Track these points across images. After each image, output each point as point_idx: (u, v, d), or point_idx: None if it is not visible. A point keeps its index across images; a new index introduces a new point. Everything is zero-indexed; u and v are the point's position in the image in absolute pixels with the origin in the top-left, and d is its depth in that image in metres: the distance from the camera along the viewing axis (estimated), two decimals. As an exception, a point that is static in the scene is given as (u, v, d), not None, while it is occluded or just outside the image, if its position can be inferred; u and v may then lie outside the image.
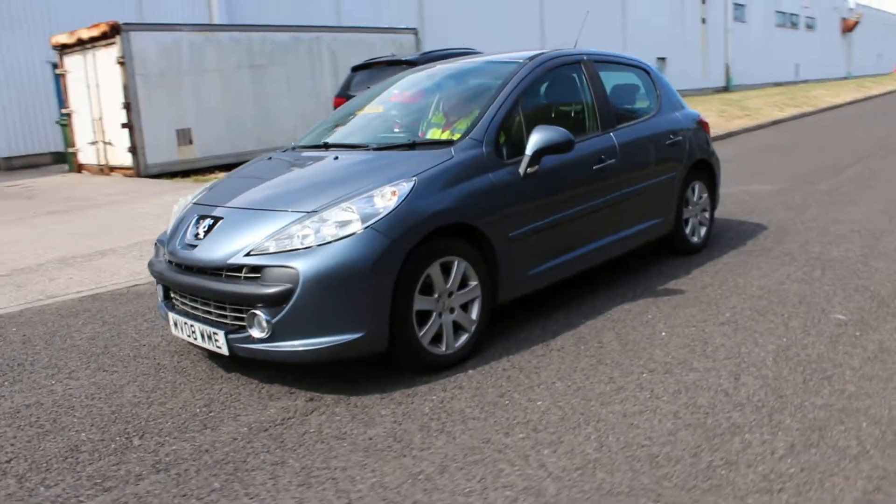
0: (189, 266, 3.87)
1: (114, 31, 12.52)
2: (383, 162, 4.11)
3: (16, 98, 16.19)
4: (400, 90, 5.32)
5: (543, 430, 3.17)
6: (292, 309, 3.46)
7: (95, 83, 13.52)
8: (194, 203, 4.34)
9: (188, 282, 3.83)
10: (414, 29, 17.71)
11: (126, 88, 12.73)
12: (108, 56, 12.93)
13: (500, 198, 4.09)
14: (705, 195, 6.11)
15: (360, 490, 2.81)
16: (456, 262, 3.85)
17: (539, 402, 3.44)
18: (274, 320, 3.50)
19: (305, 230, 3.59)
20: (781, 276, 5.23)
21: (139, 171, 13.00)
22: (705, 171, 6.08)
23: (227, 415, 3.55)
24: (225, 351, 3.68)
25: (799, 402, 3.27)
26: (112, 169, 13.65)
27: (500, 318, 4.59)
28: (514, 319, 4.62)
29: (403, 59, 12.28)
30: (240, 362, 4.08)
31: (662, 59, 36.83)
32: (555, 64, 4.99)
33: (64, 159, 15.42)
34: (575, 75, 5.15)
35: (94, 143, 14.06)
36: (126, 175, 13.29)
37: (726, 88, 41.45)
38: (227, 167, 13.54)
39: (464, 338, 3.96)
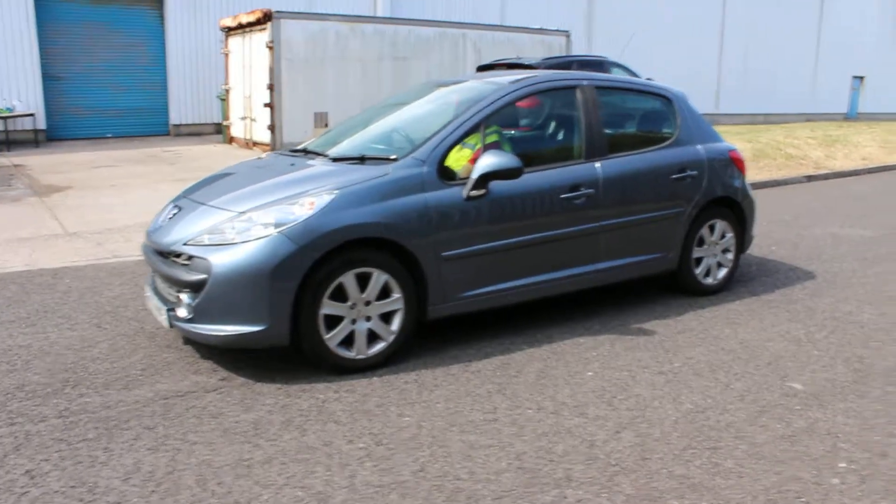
0: (152, 247, 4.35)
1: (266, 18, 13.60)
2: (325, 172, 4.34)
3: (188, 73, 17.90)
4: (413, 103, 5.50)
5: (385, 445, 3.34)
6: (205, 296, 3.87)
7: (249, 64, 14.73)
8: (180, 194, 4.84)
9: (151, 260, 4.32)
10: (566, 31, 17.65)
11: (271, 71, 13.77)
12: (261, 40, 14.06)
13: (434, 218, 4.20)
14: (729, 235, 5.83)
15: (189, 463, 3.17)
16: (375, 274, 4.05)
17: (406, 419, 3.60)
18: (194, 304, 3.92)
19: (232, 228, 3.96)
20: (777, 332, 4.96)
21: (275, 147, 14.03)
22: (731, 209, 5.82)
23: (150, 380, 4.01)
24: (166, 324, 4.12)
25: (657, 468, 3.20)
26: (255, 144, 14.83)
27: (444, 333, 4.74)
28: (458, 337, 4.74)
29: (525, 62, 12.39)
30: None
31: (860, 78, 33.95)
32: (539, 89, 5.01)
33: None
34: (566, 101, 5.13)
35: (243, 118, 15.33)
36: (264, 150, 14.40)
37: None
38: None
39: (380, 346, 4.16)
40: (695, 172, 5.50)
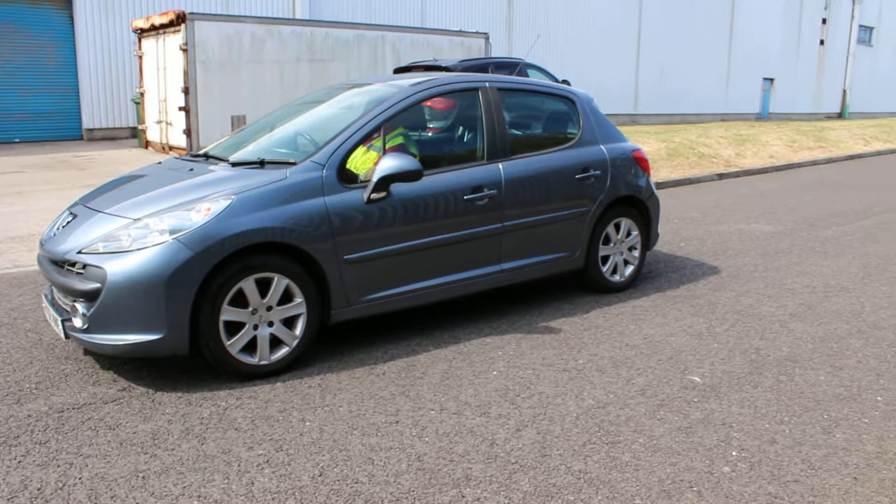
0: (46, 256, 4.21)
1: (180, 19, 13.31)
2: (223, 177, 4.28)
3: (101, 75, 17.36)
4: (320, 105, 5.46)
5: (285, 451, 3.32)
6: (100, 306, 3.78)
7: (164, 66, 14.40)
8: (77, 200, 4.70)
9: (45, 270, 4.19)
10: (485, 34, 17.81)
11: (186, 74, 13.49)
12: (174, 42, 13.75)
13: (335, 221, 4.20)
14: (635, 233, 6.01)
15: (81, 477, 3.09)
16: (276, 279, 4.03)
17: (308, 423, 3.58)
18: (89, 314, 3.83)
19: (127, 235, 3.88)
20: (680, 327, 5.12)
21: (191, 152, 13.75)
22: (636, 208, 5.98)
23: (45, 392, 3.88)
24: (62, 335, 4.00)
25: (556, 464, 3.26)
26: (171, 148, 14.49)
27: (350, 336, 4.74)
28: (364, 339, 4.74)
29: (442, 64, 12.47)
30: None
31: (770, 80, 35.34)
32: (440, 91, 5.05)
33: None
34: (468, 103, 5.18)
35: (159, 122, 14.97)
36: (181, 154, 14.09)
37: (840, 116, 39.33)
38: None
39: (283, 351, 4.14)
40: (598, 172, 5.61)
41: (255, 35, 14.19)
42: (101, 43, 17.27)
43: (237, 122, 13.98)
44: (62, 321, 3.98)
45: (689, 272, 6.62)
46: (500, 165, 5.06)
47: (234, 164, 4.52)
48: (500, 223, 5.00)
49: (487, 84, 5.24)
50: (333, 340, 4.69)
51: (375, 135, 4.56)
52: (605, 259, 5.85)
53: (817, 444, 3.46)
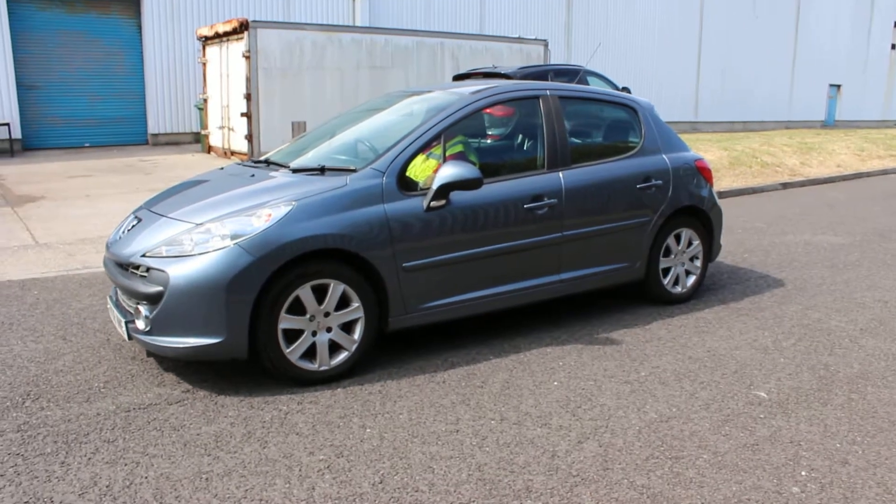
0: (112, 258, 4.32)
1: (243, 27, 13.57)
2: (284, 183, 4.33)
3: (166, 82, 17.82)
4: (380, 113, 5.48)
5: (345, 457, 3.32)
6: (162, 308, 3.85)
7: (226, 73, 14.69)
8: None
9: (111, 272, 4.30)
10: (544, 40, 17.73)
11: (248, 80, 13.74)
12: (237, 49, 14.02)
13: (394, 228, 4.21)
14: (697, 244, 5.89)
15: (147, 476, 3.15)
16: (332, 285, 4.05)
17: (368, 430, 3.59)
18: (151, 316, 3.90)
19: (190, 240, 3.95)
20: (745, 340, 4.99)
21: (252, 157, 13.99)
22: (698, 218, 5.87)
23: (112, 392, 3.97)
24: (125, 336, 4.09)
25: (618, 478, 3.20)
26: (233, 153, 14.77)
27: (409, 344, 4.74)
28: (424, 347, 4.73)
29: (502, 71, 12.45)
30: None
31: (837, 86, 34.35)
32: (501, 99, 5.03)
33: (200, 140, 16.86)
34: (529, 111, 5.15)
35: (221, 127, 15.27)
36: (242, 160, 14.36)
37: (912, 125, 38.02)
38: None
39: (342, 356, 4.16)
40: (660, 182, 5.53)
41: (316, 42, 14.39)
42: (166, 50, 17.73)
43: (297, 128, 14.18)
44: (126, 323, 4.07)
45: (754, 284, 6.45)
46: (561, 174, 5.02)
47: (295, 171, 4.57)
48: (559, 232, 4.96)
49: (549, 92, 5.21)
50: (393, 348, 4.70)
51: (435, 143, 4.57)
52: (666, 270, 5.74)
53: (893, 466, 3.33)
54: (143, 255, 4.02)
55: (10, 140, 15.81)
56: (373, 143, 4.86)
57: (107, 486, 3.07)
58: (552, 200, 4.89)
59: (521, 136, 5.25)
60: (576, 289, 5.20)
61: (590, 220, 5.12)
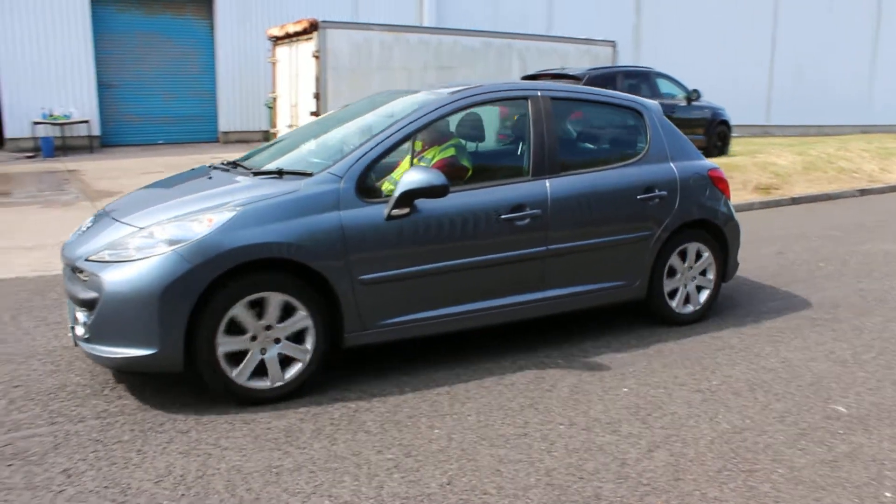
0: (63, 260, 4.18)
1: (313, 27, 13.76)
2: (239, 187, 4.05)
3: (237, 81, 18.21)
4: (367, 113, 5.03)
5: (413, 457, 3.33)
6: (98, 316, 3.66)
7: (296, 73, 14.92)
8: None
9: (64, 274, 4.16)
10: (612, 42, 17.51)
11: (317, 80, 13.94)
12: (307, 49, 14.22)
13: (349, 238, 3.91)
14: (707, 258, 5.35)
15: (219, 468, 3.22)
16: (270, 298, 3.77)
17: (436, 430, 3.59)
18: (89, 323, 3.71)
19: (131, 244, 3.73)
20: (821, 352, 4.83)
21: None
22: (711, 233, 5.34)
23: (186, 384, 4.05)
24: (72, 342, 3.95)
25: (690, 489, 3.14)
26: (301, 151, 14.98)
27: (477, 344, 4.73)
28: (492, 348, 4.71)
29: (570, 73, 12.35)
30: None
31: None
32: (481, 100, 4.64)
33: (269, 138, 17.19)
34: (514, 113, 4.83)
35: (290, 126, 15.51)
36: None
37: None
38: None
39: (297, 368, 3.89)
40: (665, 193, 5.03)
41: (384, 42, 14.50)
42: (237, 50, 18.11)
43: (364, 127, 14.32)
44: (71, 328, 3.92)
45: (830, 294, 6.23)
46: (548, 182, 4.58)
47: (256, 174, 4.27)
48: (543, 246, 4.53)
49: (539, 93, 4.77)
50: (461, 349, 4.69)
51: (405, 145, 4.30)
52: (673, 289, 5.25)
53: None
54: (87, 259, 3.82)
55: (90, 137, 16.37)
56: (347, 146, 4.53)
57: (181, 476, 3.14)
58: (535, 211, 4.47)
59: (503, 141, 4.95)
60: (565, 307, 4.78)
61: (580, 233, 4.70)
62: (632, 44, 23.40)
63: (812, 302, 5.98)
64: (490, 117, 5.03)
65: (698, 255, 5.30)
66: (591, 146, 5.38)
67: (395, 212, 4.02)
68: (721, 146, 14.90)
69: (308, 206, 3.89)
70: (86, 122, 16.28)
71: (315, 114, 13.98)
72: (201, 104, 18.32)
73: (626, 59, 21.11)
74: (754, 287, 6.36)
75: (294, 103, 15.15)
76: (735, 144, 16.23)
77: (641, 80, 13.55)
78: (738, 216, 5.60)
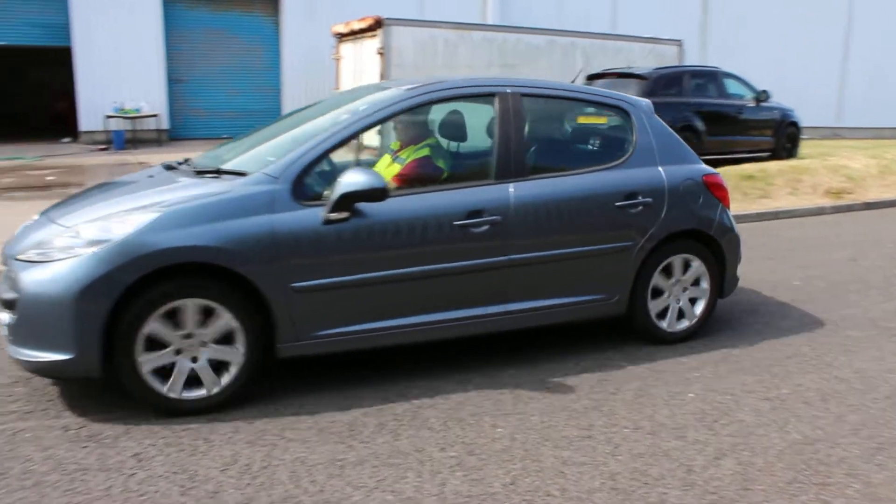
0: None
1: (377, 25, 13.87)
2: (173, 187, 3.89)
3: (301, 77, 18.46)
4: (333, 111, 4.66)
5: (477, 455, 3.32)
6: (17, 317, 3.52)
7: (359, 69, 15.05)
8: None
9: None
10: (678, 40, 17.22)
11: (381, 77, 14.03)
12: (371, 46, 14.34)
13: (281, 243, 3.68)
14: (701, 274, 4.88)
15: (284, 459, 3.27)
16: (189, 304, 3.58)
17: (499, 430, 3.57)
18: (12, 324, 3.57)
19: (55, 244, 3.59)
20: (899, 363, 4.65)
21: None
22: (705, 245, 4.88)
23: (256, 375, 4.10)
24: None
25: (759, 500, 3.05)
26: (365, 147, 15.11)
27: (539, 344, 4.68)
28: (555, 348, 4.67)
29: (635, 73, 12.18)
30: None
31: None
32: (439, 97, 4.34)
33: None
34: (480, 112, 4.52)
35: (352, 122, 15.68)
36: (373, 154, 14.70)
37: None
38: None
39: (233, 371, 3.71)
40: (649, 200, 4.59)
41: (448, 40, 14.53)
42: (302, 47, 18.35)
43: (425, 124, 14.37)
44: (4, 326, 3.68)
45: (908, 303, 6.00)
46: (512, 187, 4.24)
47: (199, 173, 4.07)
48: (504, 255, 4.18)
49: (509, 89, 4.41)
50: (522, 347, 4.66)
51: (351, 143, 4.09)
52: (659, 305, 4.81)
53: None
54: (16, 258, 3.67)
55: (158, 130, 16.83)
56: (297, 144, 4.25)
57: (246, 465, 3.19)
58: (495, 217, 4.12)
59: (460, 141, 4.66)
60: (532, 322, 4.42)
61: (548, 242, 4.33)
62: (698, 43, 22.95)
63: (888, 311, 5.77)
64: (477, 115, 4.61)
65: (689, 269, 4.85)
66: (567, 148, 5.04)
67: (334, 216, 3.76)
68: (790, 148, 14.49)
69: (238, 208, 3.66)
70: (155, 115, 16.74)
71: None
72: (266, 99, 18.63)
73: (693, 59, 20.71)
74: (826, 293, 6.17)
75: (357, 100, 15.29)
76: (804, 147, 15.76)
77: (708, 80, 13.26)
78: (738, 227, 5.13)
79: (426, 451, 3.34)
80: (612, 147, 4.92)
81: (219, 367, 3.69)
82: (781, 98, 15.44)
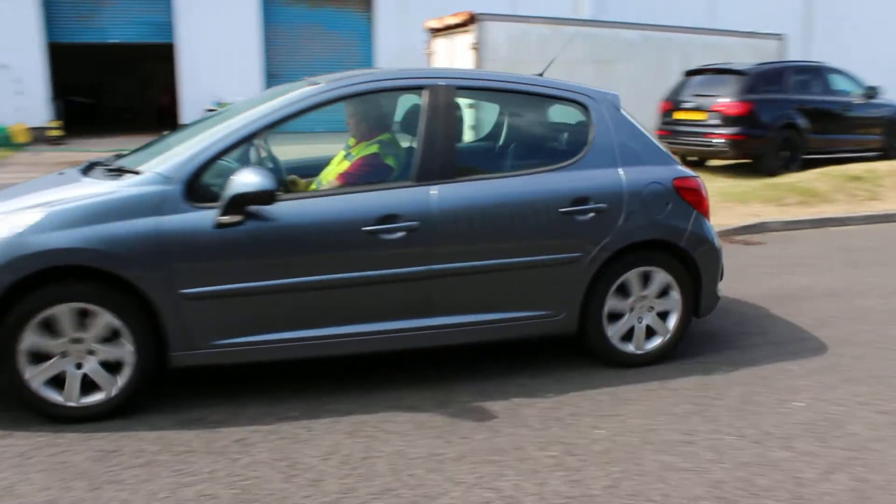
0: None
1: (471, 20, 13.90)
2: (69, 186, 3.72)
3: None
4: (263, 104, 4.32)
5: (576, 456, 3.28)
6: None
7: (452, 65, 15.10)
8: None
9: None
10: (779, 35, 16.58)
11: (474, 72, 14.07)
12: (464, 41, 14.37)
13: (169, 247, 3.48)
14: (667, 282, 4.29)
15: (383, 451, 3.30)
16: (65, 310, 3.44)
17: (598, 431, 3.52)
18: None
19: None
20: None
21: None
22: (676, 258, 4.30)
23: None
24: None
25: (877, 515, 2.91)
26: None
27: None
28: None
29: (734, 69, 11.83)
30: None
31: None
32: (356, 91, 4.03)
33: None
34: (405, 107, 4.26)
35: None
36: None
37: None
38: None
39: (127, 373, 3.55)
40: (603, 205, 4.08)
41: (541, 35, 14.41)
42: (395, 42, 18.59)
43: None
44: None
45: None
46: (435, 190, 3.85)
47: (108, 171, 3.88)
48: (424, 265, 3.80)
49: (443, 81, 4.04)
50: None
51: (253, 141, 3.91)
52: (618, 320, 4.28)
53: None
54: None
55: (255, 124, 17.32)
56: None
57: (346, 456, 3.24)
58: (412, 223, 3.76)
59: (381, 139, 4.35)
60: (464, 338, 4.03)
61: (476, 251, 3.91)
62: (801, 37, 22.08)
63: None
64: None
65: (653, 281, 4.29)
66: (509, 147, 4.64)
67: (226, 219, 3.51)
68: (902, 147, 13.77)
69: (125, 209, 3.48)
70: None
71: (472, 105, 14.11)
72: (358, 94, 18.94)
73: (796, 54, 19.94)
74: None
75: (449, 95, 15.36)
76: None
77: (812, 75, 12.72)
78: (719, 240, 4.56)
79: (525, 450, 3.31)
80: (563, 146, 4.52)
81: (115, 368, 3.54)
82: (894, 94, 14.68)
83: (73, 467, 3.13)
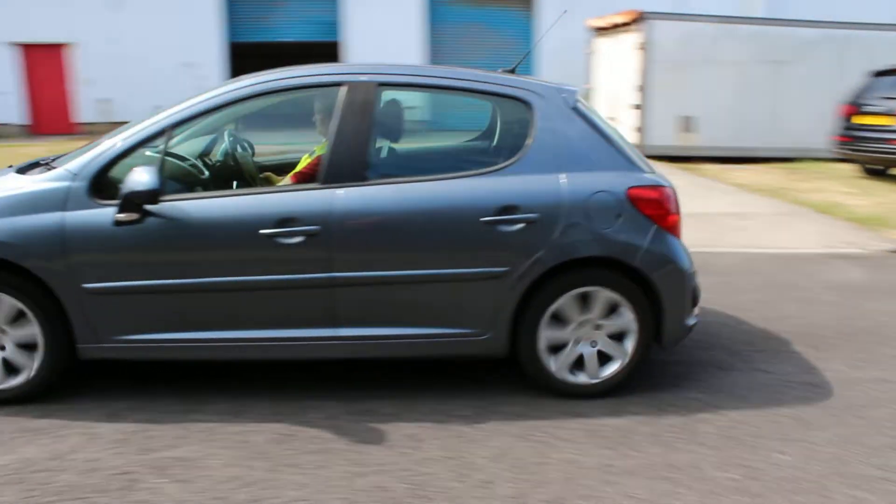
0: None
1: (638, 19, 13.58)
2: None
3: (554, 71, 18.52)
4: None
5: (759, 481, 3.11)
6: None
7: (615, 64, 14.85)
8: None
9: None
10: (981, 31, 15.07)
11: (642, 72, 13.76)
12: (629, 41, 14.07)
13: (70, 241, 3.57)
14: (620, 308, 3.78)
15: (555, 458, 3.27)
16: None
17: (783, 457, 3.32)
18: None
19: None
20: None
21: (641, 149, 14.01)
22: (630, 278, 3.78)
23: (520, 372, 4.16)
24: None
25: None
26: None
27: (839, 368, 4.29)
28: (844, 372, 4.24)
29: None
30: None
31: None
32: (270, 88, 3.83)
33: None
34: (320, 105, 4.09)
35: (610, 119, 15.49)
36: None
37: None
38: (727, 160, 13.82)
39: (37, 362, 3.70)
40: (534, 216, 3.67)
41: (710, 34, 13.89)
42: (556, 41, 18.42)
43: (684, 123, 13.91)
44: None
45: None
46: (341, 192, 3.64)
47: (45, 166, 3.97)
48: (326, 272, 3.63)
49: (364, 77, 3.81)
50: (814, 369, 4.30)
51: (159, 139, 3.74)
52: (558, 349, 3.82)
53: None
54: None
55: (419, 122, 17.72)
56: None
57: (517, 459, 3.24)
58: (312, 227, 3.58)
59: (400, 137, 4.19)
60: (374, 352, 3.83)
61: (384, 260, 3.68)
62: None
63: None
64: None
65: (595, 302, 3.79)
66: (433, 148, 4.36)
67: (122, 217, 3.54)
68: None
69: (32, 204, 3.62)
70: (416, 108, 17.65)
71: (638, 106, 13.85)
72: (518, 92, 18.99)
73: None
74: None
75: (612, 95, 15.10)
76: None
77: None
78: (691, 261, 3.93)
79: (703, 469, 3.17)
80: (496, 148, 4.20)
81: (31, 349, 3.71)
82: None
83: (255, 447, 3.32)
